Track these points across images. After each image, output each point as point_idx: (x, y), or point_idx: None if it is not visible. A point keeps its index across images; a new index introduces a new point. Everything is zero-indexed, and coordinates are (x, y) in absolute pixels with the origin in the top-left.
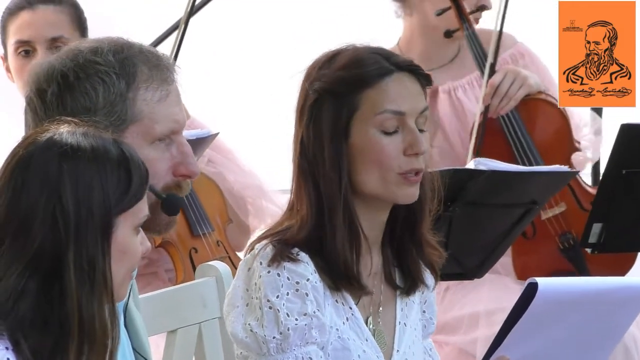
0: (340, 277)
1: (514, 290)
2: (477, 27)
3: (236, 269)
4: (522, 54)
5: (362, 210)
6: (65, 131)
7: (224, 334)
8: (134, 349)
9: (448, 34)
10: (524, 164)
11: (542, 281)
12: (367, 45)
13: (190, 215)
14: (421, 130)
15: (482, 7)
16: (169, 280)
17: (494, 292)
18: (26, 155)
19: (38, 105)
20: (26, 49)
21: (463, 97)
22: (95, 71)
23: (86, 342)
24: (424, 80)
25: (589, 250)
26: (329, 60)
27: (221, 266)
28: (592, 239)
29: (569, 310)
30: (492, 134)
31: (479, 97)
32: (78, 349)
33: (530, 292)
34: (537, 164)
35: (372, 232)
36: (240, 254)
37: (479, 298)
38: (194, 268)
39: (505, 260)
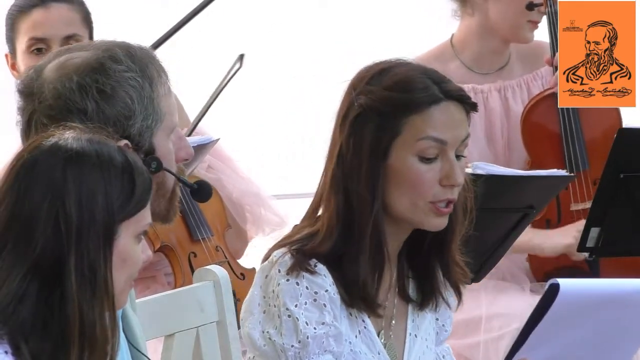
0: (357, 296)
1: (513, 296)
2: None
3: (234, 274)
4: None
5: (387, 229)
6: (70, 137)
7: (221, 338)
8: (131, 353)
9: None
10: (569, 157)
11: (564, 282)
12: (418, 63)
13: (190, 220)
14: (459, 157)
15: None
16: (168, 284)
17: (492, 297)
18: (31, 160)
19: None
20: (39, 47)
21: (510, 97)
22: (124, 79)
23: (87, 348)
24: (470, 108)
25: (586, 254)
26: (379, 74)
27: (219, 270)
28: (590, 243)
29: (590, 311)
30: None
31: (525, 100)
32: (78, 355)
33: (551, 294)
34: (582, 160)
35: (392, 249)
36: (239, 261)
37: (477, 303)
38: (193, 272)
39: (507, 265)
